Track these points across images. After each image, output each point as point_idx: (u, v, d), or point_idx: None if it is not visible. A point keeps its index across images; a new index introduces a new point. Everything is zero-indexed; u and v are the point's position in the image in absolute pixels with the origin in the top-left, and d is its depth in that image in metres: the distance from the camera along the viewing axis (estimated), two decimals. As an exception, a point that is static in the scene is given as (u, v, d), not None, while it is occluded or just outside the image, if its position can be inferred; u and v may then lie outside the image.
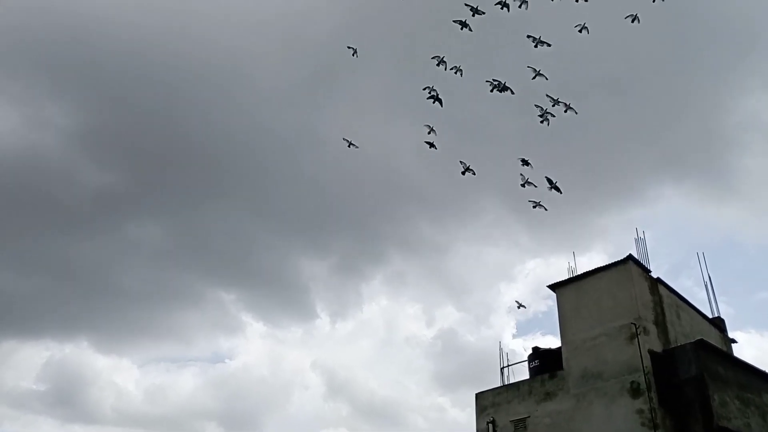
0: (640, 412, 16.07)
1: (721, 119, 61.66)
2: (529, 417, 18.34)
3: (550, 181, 13.74)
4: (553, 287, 19.86)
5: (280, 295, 69.85)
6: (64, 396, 66.88)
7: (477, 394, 20.01)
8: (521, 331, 79.35)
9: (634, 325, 17.22)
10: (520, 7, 14.64)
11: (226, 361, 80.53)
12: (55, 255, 59.64)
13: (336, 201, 64.35)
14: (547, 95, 13.84)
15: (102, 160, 60.20)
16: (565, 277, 20.03)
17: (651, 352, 16.96)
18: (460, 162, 13.74)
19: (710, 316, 21.67)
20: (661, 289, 19.32)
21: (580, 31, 14.76)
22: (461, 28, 14.74)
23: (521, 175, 13.62)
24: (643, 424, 15.89)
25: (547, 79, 15.12)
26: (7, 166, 54.74)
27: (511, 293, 77.15)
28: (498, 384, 20.42)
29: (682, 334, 19.00)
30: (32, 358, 72.99)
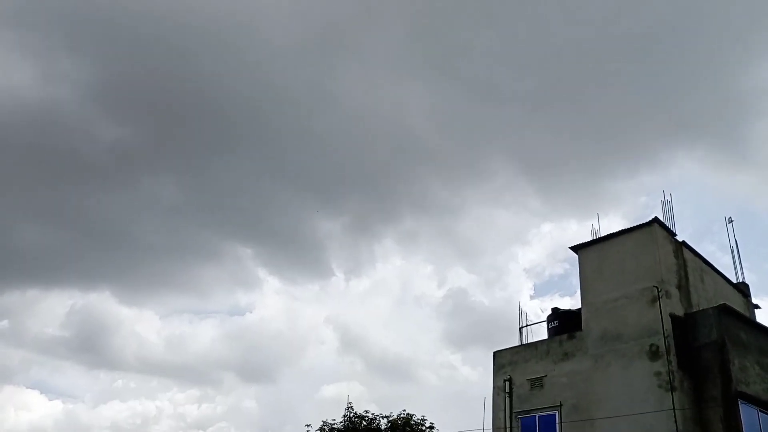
0: (658, 374, 16.08)
1: (736, 83, 59.58)
2: (545, 376, 18.49)
3: None
4: (576, 249, 19.71)
5: (296, 252, 70.66)
6: (89, 343, 69.34)
7: (495, 353, 20.18)
8: (537, 292, 79.64)
9: (657, 288, 17.07)
10: None
11: (247, 314, 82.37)
12: (75, 207, 60.80)
13: (348, 159, 64.24)
14: None
15: (117, 115, 60.59)
16: (582, 240, 19.86)
17: (672, 316, 16.85)
18: None
19: (734, 281, 21.43)
20: (686, 252, 19.07)
21: None
22: None
23: None
24: (660, 386, 15.92)
25: None
26: (27, 118, 55.50)
27: (527, 256, 77.19)
28: (514, 343, 20.56)
29: (705, 298, 18.82)
30: (57, 308, 75.46)
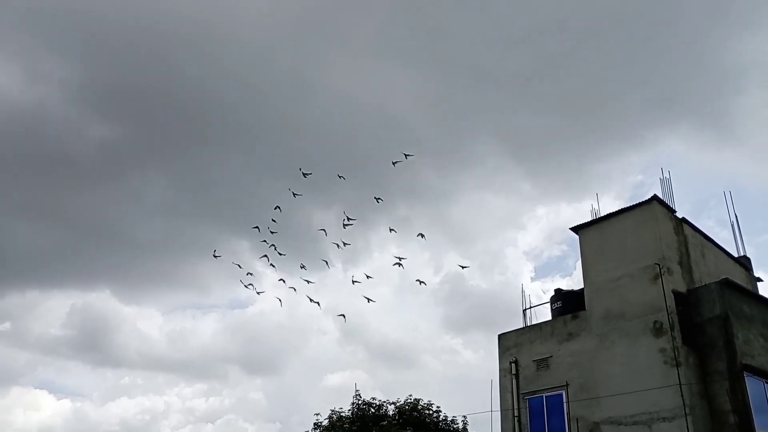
0: (663, 350, 16.18)
1: (717, 59, 59.30)
2: (551, 357, 18.59)
3: None
4: (576, 229, 19.75)
5: (292, 244, 70.33)
6: (92, 342, 69.71)
7: (500, 335, 20.28)
8: (537, 274, 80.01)
9: (658, 265, 17.14)
10: None
11: (248, 307, 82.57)
12: (68, 207, 60.76)
13: (336, 148, 63.91)
14: None
15: (104, 113, 60.32)
16: (577, 221, 19.92)
17: (675, 292, 16.93)
18: None
19: (735, 256, 21.49)
20: (686, 228, 19.13)
21: None
22: None
23: None
24: (665, 362, 16.02)
25: None
26: (15, 120, 55.27)
27: (525, 239, 77.41)
28: (515, 325, 20.64)
29: (706, 273, 18.90)
30: (57, 308, 75.50)
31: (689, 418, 15.11)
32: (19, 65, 58.65)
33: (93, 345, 71.38)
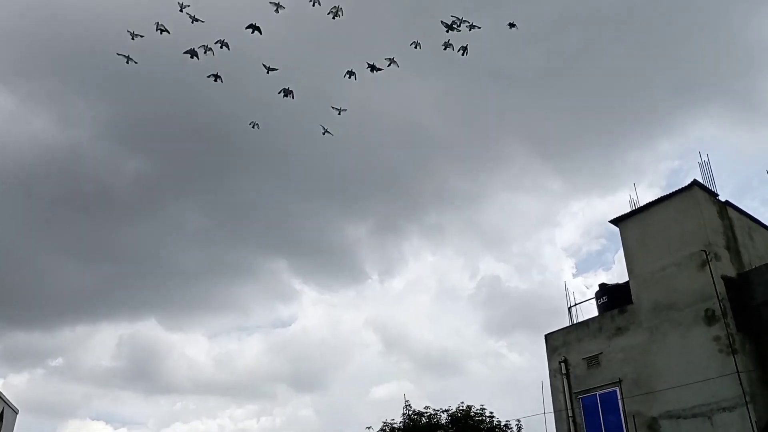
0: (717, 338, 15.73)
1: (741, 37, 57.31)
2: (601, 353, 18.25)
3: None
4: (616, 221, 19.40)
5: (328, 259, 70.88)
6: (142, 371, 71.29)
7: (546, 335, 20.01)
8: (578, 270, 78.64)
9: (705, 251, 16.69)
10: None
11: (290, 326, 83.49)
12: (110, 242, 62.11)
13: (362, 162, 63.81)
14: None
15: (137, 147, 61.51)
16: (614, 213, 19.60)
17: (724, 278, 16.45)
18: None
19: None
20: (731, 212, 18.59)
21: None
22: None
23: None
24: (720, 351, 15.56)
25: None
26: (53, 162, 57.04)
27: (562, 236, 76.22)
28: (560, 324, 20.33)
29: (756, 256, 18.32)
30: (107, 340, 77.51)
31: (750, 407, 14.63)
32: (51, 109, 60.76)
33: (143, 374, 72.93)
